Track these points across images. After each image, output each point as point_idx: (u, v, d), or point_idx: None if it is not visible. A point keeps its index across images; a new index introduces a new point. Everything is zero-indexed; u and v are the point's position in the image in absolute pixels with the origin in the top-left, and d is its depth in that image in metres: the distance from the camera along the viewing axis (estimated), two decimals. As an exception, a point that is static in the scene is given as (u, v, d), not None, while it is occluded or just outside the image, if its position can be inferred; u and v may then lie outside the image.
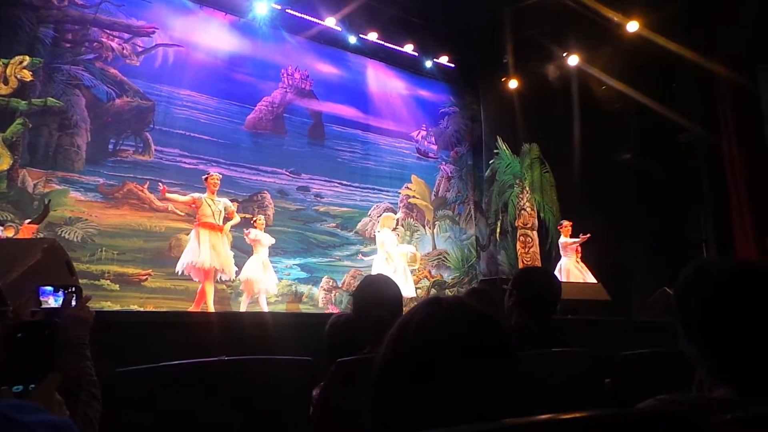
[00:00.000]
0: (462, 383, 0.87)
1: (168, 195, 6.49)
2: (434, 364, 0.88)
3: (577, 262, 8.51)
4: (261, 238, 7.52)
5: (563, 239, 8.67)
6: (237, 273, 7.08)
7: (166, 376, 1.43)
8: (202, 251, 6.09)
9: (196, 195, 6.54)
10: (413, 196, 11.32)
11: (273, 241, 7.80)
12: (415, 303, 1.00)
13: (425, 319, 0.93)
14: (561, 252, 8.71)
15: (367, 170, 10.81)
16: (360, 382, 0.99)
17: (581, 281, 8.16)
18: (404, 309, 1.75)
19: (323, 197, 10.18)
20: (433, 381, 0.88)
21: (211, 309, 6.05)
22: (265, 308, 7.21)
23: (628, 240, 9.39)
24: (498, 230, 11.07)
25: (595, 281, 8.14)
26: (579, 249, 8.55)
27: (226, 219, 6.57)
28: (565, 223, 8.80)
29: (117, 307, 7.33)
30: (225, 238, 6.45)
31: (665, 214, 8.87)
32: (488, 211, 11.43)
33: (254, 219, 7.64)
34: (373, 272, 7.31)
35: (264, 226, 7.63)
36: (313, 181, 10.07)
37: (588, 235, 8.52)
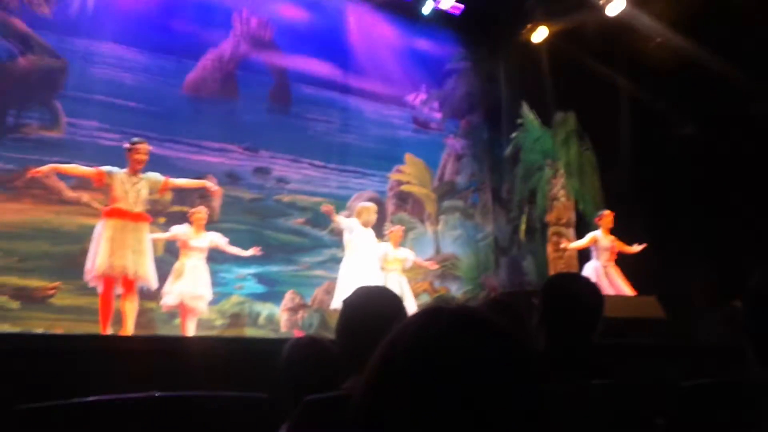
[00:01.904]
0: (468, 422, 0.84)
1: (62, 167, 6.15)
2: (431, 394, 0.86)
3: (611, 265, 8.55)
4: (192, 240, 7.45)
5: (600, 234, 8.64)
6: (177, 288, 7.13)
7: (79, 415, 1.40)
8: (102, 250, 5.79)
9: (106, 168, 6.13)
10: (408, 182, 11.28)
11: (222, 242, 7.75)
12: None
13: (421, 334, 0.91)
14: (593, 252, 8.72)
15: (346, 147, 10.83)
16: (335, 426, 0.98)
17: (621, 293, 8.21)
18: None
19: (288, 183, 10.17)
20: (429, 418, 0.85)
21: (130, 332, 5.90)
22: (191, 333, 7.19)
23: (685, 238, 9.43)
24: (523, 228, 11.10)
25: (630, 291, 8.19)
26: (616, 249, 8.56)
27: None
28: (606, 212, 8.75)
29: (17, 330, 7.34)
30: (144, 233, 6.11)
31: (734, 206, 8.86)
32: (510, 202, 11.46)
33: (192, 212, 7.56)
34: (340, 288, 7.47)
35: (204, 221, 7.56)
36: (274, 161, 10.10)
37: (644, 245, 8.54)
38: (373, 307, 1.97)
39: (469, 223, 11.74)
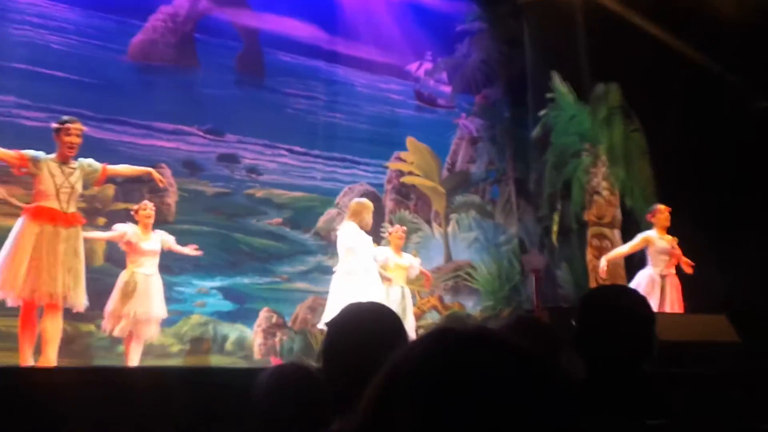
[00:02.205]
0: None
1: None
2: (439, 429, 0.88)
3: (672, 275, 8.46)
4: (143, 242, 7.39)
5: (655, 234, 8.61)
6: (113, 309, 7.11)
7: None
8: (24, 266, 5.64)
9: (30, 153, 5.99)
10: (410, 173, 11.30)
11: (170, 240, 7.72)
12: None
13: (427, 359, 0.94)
14: (648, 258, 8.68)
15: (333, 129, 10.84)
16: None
17: (681, 311, 8.20)
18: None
19: (261, 174, 10.20)
20: None
21: (52, 361, 5.78)
22: (136, 361, 7.18)
23: (762, 242, 9.23)
24: (555, 229, 11.09)
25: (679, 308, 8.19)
26: (677, 253, 8.48)
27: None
28: (660, 207, 8.72)
29: None
30: (78, 242, 5.99)
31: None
32: (539, 197, 11.45)
33: (136, 209, 7.55)
34: (332, 305, 7.48)
35: (151, 219, 7.54)
36: (244, 146, 10.12)
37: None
38: (366, 329, 2.00)
39: (488, 223, 11.72)
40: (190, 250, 7.92)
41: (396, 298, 8.16)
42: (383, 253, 8.44)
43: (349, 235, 7.62)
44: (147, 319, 7.22)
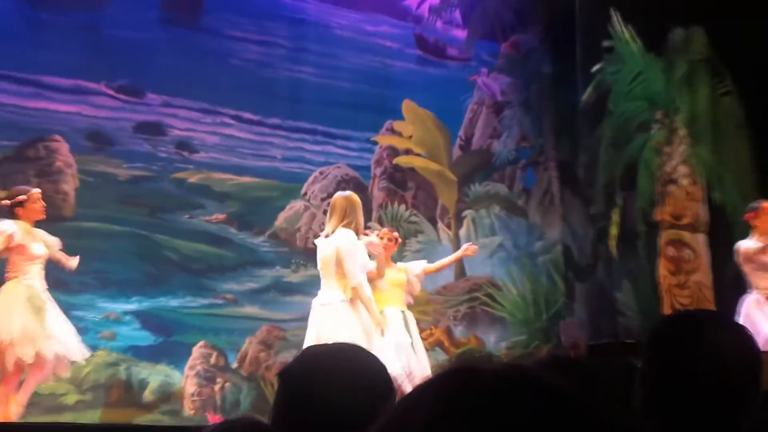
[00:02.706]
0: None
1: None
2: None
3: None
4: (34, 245, 7.47)
5: (756, 244, 8.70)
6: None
7: None
8: None
9: None
10: (408, 151, 11.48)
11: (53, 242, 7.75)
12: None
13: (441, 414, 0.96)
14: (747, 275, 8.77)
15: (299, 87, 10.99)
16: None
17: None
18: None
19: (197, 150, 10.34)
20: None
21: None
22: (15, 416, 7.25)
23: None
24: (614, 232, 11.14)
25: None
26: None
27: None
28: (766, 206, 8.82)
29: None
30: None
31: None
32: (592, 187, 11.56)
33: (21, 198, 7.60)
34: (323, 334, 7.44)
35: (41, 212, 7.66)
36: (172, 111, 10.22)
37: None
38: (338, 382, 2.09)
39: (518, 223, 11.82)
40: (69, 260, 7.92)
41: (396, 327, 8.34)
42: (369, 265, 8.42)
43: (356, 248, 7.78)
44: (57, 356, 7.38)
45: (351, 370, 2.12)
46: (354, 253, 7.74)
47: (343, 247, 7.75)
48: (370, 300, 7.82)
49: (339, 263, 7.70)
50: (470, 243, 9.38)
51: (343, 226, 7.82)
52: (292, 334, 9.99)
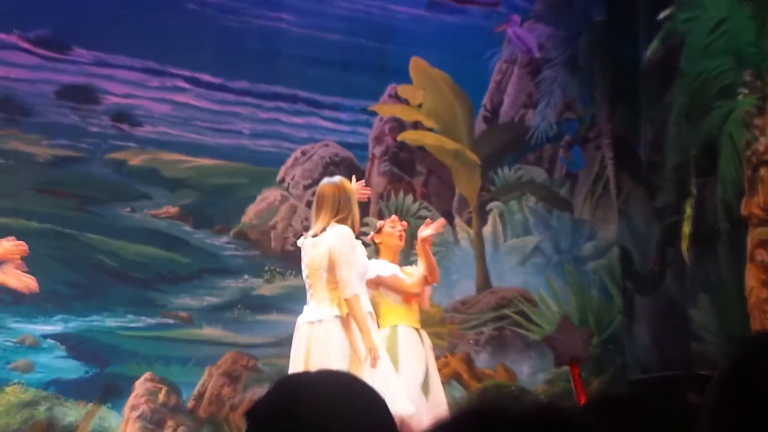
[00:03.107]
0: None
1: None
2: None
3: None
4: None
5: None
6: None
7: None
8: None
9: None
10: (416, 124, 11.57)
11: None
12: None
13: None
14: None
15: (274, 41, 11.08)
16: None
17: None
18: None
19: (140, 123, 10.44)
20: None
21: None
22: None
23: None
24: (688, 230, 11.25)
25: None
26: None
27: None
28: None
29: None
30: None
31: None
32: (659, 171, 11.66)
33: None
34: (312, 363, 7.54)
35: None
36: (108, 71, 10.27)
37: None
38: (326, 423, 2.08)
39: (561, 218, 11.93)
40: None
41: (410, 349, 8.45)
42: (378, 268, 8.63)
43: (354, 250, 7.87)
44: None
45: (344, 407, 2.11)
46: (351, 257, 7.76)
47: (337, 248, 7.75)
48: (365, 318, 7.78)
49: (331, 269, 7.73)
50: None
51: (336, 221, 7.84)
52: (266, 364, 10.12)
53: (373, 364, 7.77)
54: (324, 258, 7.72)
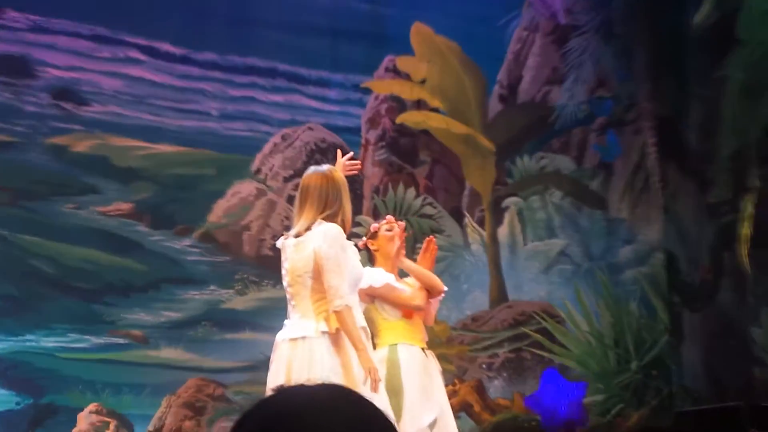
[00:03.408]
0: None
1: None
2: None
3: None
4: None
5: None
6: None
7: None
8: None
9: None
10: (419, 103, 11.59)
11: None
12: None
13: None
14: None
15: (245, 2, 11.14)
16: None
17: None
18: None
19: (86, 101, 10.38)
20: None
21: None
22: None
23: None
24: (747, 231, 11.24)
25: None
26: None
27: None
28: None
29: None
30: None
31: None
32: (711, 160, 11.71)
33: None
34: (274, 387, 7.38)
35: None
36: (47, 38, 10.25)
37: None
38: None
39: (592, 217, 11.86)
40: None
41: (414, 372, 8.35)
42: (373, 277, 8.52)
43: (344, 252, 7.61)
44: None
45: (341, 423, 1.99)
46: (341, 260, 7.52)
47: (324, 250, 7.52)
48: (360, 333, 7.56)
49: (318, 276, 7.52)
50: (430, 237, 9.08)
51: (323, 218, 7.61)
52: (237, 393, 10.11)
53: (374, 388, 7.51)
54: (309, 262, 7.46)
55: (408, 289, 8.57)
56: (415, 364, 8.35)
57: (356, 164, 8.28)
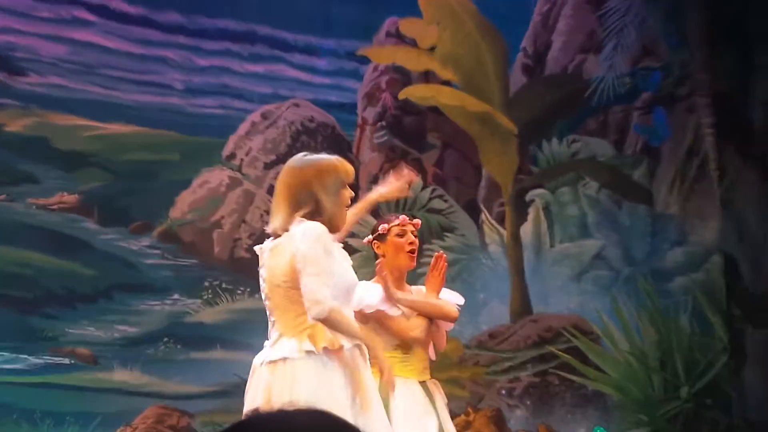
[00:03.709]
0: None
1: None
2: None
3: None
4: None
5: None
6: None
7: None
8: None
9: None
10: (427, 75, 11.43)
11: None
12: None
13: None
14: None
15: None
16: None
17: None
18: None
19: (23, 71, 10.27)
20: None
21: None
22: None
23: None
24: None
25: None
26: None
27: None
28: None
29: None
30: None
31: None
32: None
33: None
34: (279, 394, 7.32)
35: None
36: None
37: None
38: None
39: (634, 213, 11.63)
40: None
41: (413, 410, 8.31)
42: (366, 293, 8.52)
43: (328, 256, 7.47)
44: None
45: None
46: (323, 263, 7.28)
47: (302, 250, 7.29)
48: (357, 328, 7.50)
49: (299, 285, 7.24)
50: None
51: (302, 215, 7.41)
52: (206, 423, 9.97)
53: (390, 387, 7.64)
54: (287, 269, 7.29)
55: (405, 317, 8.45)
56: (411, 402, 8.29)
57: (410, 178, 8.47)
